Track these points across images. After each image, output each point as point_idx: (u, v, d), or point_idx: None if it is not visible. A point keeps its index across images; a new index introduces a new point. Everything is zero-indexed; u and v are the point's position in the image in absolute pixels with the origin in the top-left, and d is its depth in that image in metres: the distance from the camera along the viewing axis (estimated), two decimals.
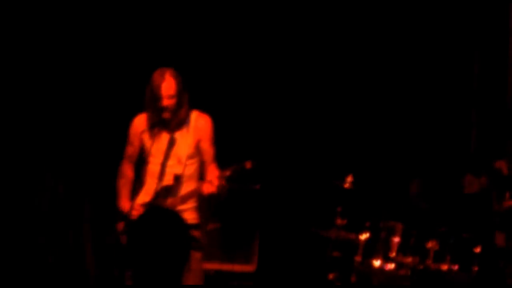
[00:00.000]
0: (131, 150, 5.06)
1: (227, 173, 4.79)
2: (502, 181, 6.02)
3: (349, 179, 6.05)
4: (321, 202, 6.58)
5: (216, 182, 4.75)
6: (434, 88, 7.15)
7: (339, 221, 6.04)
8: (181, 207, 4.89)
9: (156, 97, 4.82)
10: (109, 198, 5.18)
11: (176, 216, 4.78)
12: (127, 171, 5.10)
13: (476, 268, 5.77)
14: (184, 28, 6.99)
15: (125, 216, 4.90)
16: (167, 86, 4.82)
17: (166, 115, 4.84)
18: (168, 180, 4.88)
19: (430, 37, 7.13)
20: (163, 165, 4.86)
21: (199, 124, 4.96)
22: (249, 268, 6.68)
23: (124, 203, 5.00)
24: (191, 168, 4.94)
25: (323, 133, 7.15)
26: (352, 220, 6.11)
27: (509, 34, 6.97)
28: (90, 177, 6.67)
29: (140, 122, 5.00)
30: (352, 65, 7.18)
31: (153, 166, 4.93)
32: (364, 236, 6.01)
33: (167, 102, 4.82)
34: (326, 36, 7.19)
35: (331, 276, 6.03)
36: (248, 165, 4.81)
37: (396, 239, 5.97)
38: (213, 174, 4.82)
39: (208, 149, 4.97)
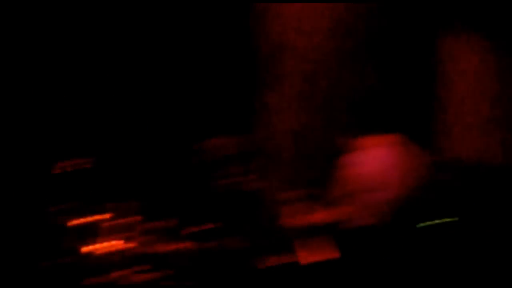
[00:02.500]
0: None
1: None
2: (223, 158, 6.17)
3: (81, 161, 6.01)
4: (54, 185, 6.46)
5: None
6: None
7: (70, 206, 5.97)
8: None
9: None
10: None
11: None
12: None
13: (205, 246, 5.88)
14: None
15: None
16: None
17: None
18: None
19: None
20: None
21: None
22: None
23: None
24: None
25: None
26: (86, 204, 6.06)
27: None
28: None
29: None
30: None
31: None
32: (81, 220, 5.97)
33: None
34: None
35: (47, 262, 5.93)
36: None
37: (125, 220, 5.98)
38: None
39: None
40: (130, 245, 5.90)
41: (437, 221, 6.36)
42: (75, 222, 5.96)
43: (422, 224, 6.25)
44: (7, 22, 6.66)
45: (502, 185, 7.17)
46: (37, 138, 6.86)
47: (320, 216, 5.59)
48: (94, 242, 5.92)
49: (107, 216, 6.01)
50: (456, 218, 6.35)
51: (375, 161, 5.45)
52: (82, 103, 7.02)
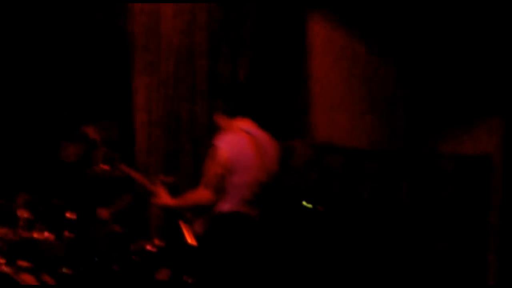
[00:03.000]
0: None
1: None
2: (92, 146, 6.08)
3: None
4: None
5: None
6: None
7: None
8: None
9: None
10: None
11: None
12: None
13: (68, 234, 5.77)
14: None
15: None
16: None
17: None
18: None
19: None
20: None
21: None
22: None
23: None
24: None
25: None
26: None
27: None
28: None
29: None
30: None
31: None
32: None
33: None
34: None
35: None
36: None
37: None
38: None
39: None
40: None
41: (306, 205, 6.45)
42: None
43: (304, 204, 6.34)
44: None
45: (370, 167, 7.32)
46: None
47: (186, 200, 5.56)
48: None
49: None
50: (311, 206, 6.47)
51: (236, 145, 5.45)
52: None
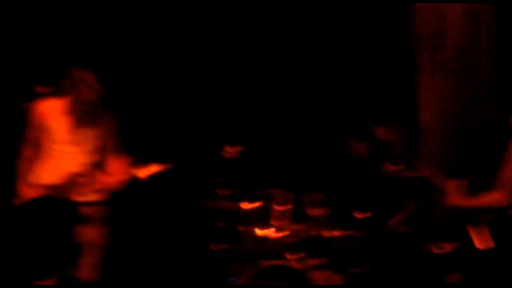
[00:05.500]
0: (35, 134, 5.43)
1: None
2: (380, 146, 6.07)
3: (236, 148, 6.04)
4: (206, 172, 6.50)
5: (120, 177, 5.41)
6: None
7: (223, 191, 5.99)
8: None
9: (85, 93, 5.28)
10: None
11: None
12: (30, 154, 5.47)
13: (361, 234, 5.80)
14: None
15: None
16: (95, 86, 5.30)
17: (87, 110, 5.30)
18: (75, 167, 5.35)
19: None
20: (72, 153, 5.40)
21: (106, 120, 5.45)
22: None
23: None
24: (96, 159, 5.42)
25: (208, 102, 7.05)
26: (238, 190, 6.07)
27: None
28: None
29: (47, 107, 5.42)
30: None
31: (60, 153, 5.37)
32: (248, 206, 5.97)
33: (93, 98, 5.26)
34: None
35: (216, 247, 5.97)
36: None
37: (281, 208, 5.94)
38: (116, 166, 5.45)
39: (111, 142, 5.43)
40: (293, 231, 5.86)
41: None
42: (245, 206, 5.96)
43: None
44: None
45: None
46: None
47: (478, 201, 5.40)
48: (263, 227, 5.92)
49: (263, 202, 6.00)
50: None
51: None
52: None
